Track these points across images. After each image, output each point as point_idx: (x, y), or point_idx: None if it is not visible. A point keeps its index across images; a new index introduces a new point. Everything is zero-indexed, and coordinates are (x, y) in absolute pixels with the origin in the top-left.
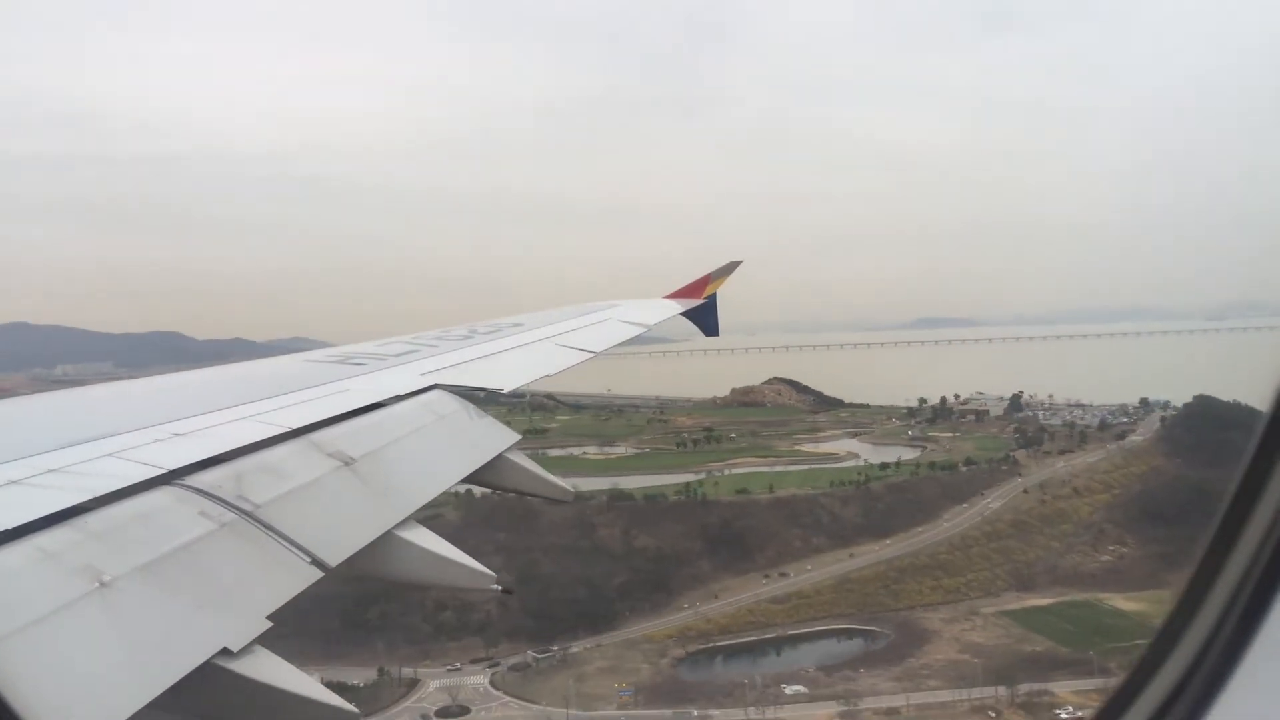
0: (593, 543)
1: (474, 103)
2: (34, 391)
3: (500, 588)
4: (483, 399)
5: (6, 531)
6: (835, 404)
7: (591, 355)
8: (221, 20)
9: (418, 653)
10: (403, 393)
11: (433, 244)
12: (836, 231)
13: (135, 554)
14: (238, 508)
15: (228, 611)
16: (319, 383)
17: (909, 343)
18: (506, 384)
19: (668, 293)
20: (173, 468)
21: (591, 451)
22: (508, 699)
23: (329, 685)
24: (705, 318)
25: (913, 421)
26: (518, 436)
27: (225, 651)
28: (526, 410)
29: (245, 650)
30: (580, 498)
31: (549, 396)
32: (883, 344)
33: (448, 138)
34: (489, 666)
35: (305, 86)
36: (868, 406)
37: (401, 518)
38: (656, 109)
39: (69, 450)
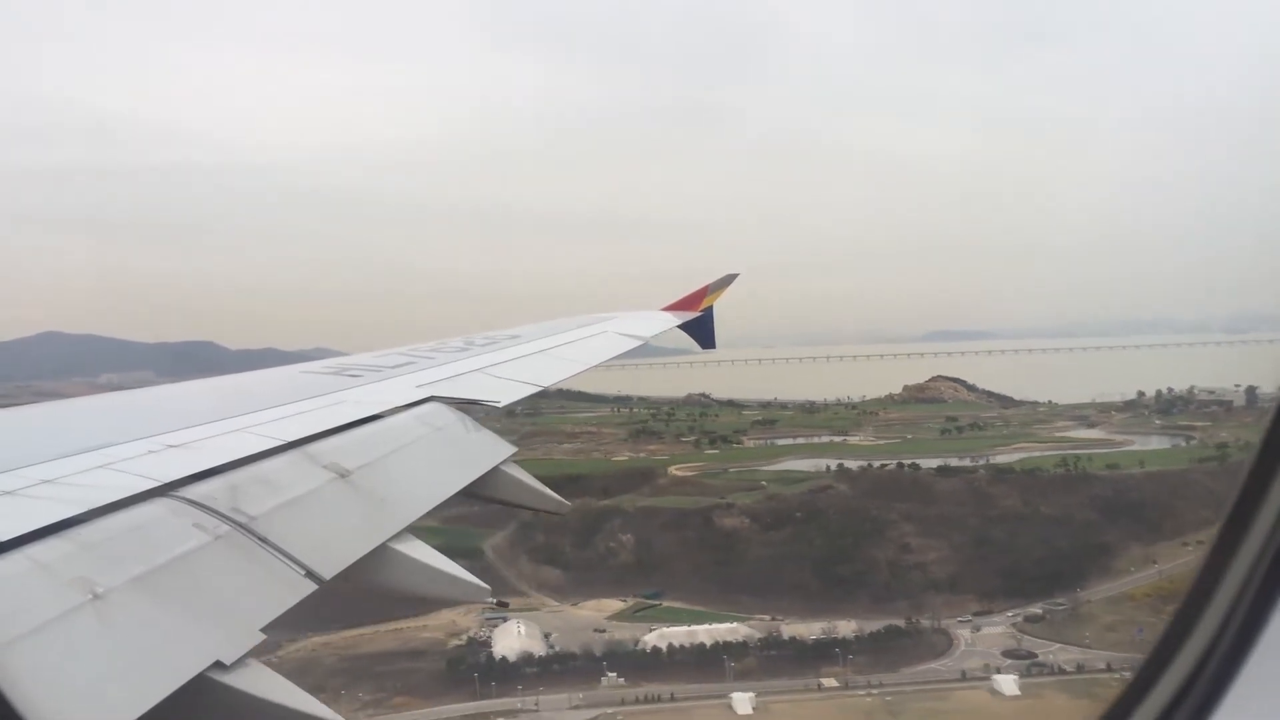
0: (1002, 511)
1: (494, 113)
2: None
3: (495, 601)
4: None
5: (0, 543)
6: (1008, 400)
7: (588, 367)
8: (250, 32)
9: (907, 607)
10: (399, 405)
11: (454, 255)
12: (849, 244)
13: (129, 566)
14: (232, 520)
15: (221, 624)
16: (315, 394)
17: (924, 354)
18: (504, 396)
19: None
20: (167, 480)
21: (850, 440)
22: (1058, 645)
23: (878, 633)
24: (702, 330)
25: (1144, 413)
26: (514, 449)
27: (218, 664)
28: (696, 407)
29: (238, 663)
30: (962, 471)
31: (704, 395)
32: (896, 355)
33: (468, 149)
34: (975, 620)
35: (330, 98)
36: (1050, 403)
37: (397, 530)
38: (670, 121)
39: (63, 461)
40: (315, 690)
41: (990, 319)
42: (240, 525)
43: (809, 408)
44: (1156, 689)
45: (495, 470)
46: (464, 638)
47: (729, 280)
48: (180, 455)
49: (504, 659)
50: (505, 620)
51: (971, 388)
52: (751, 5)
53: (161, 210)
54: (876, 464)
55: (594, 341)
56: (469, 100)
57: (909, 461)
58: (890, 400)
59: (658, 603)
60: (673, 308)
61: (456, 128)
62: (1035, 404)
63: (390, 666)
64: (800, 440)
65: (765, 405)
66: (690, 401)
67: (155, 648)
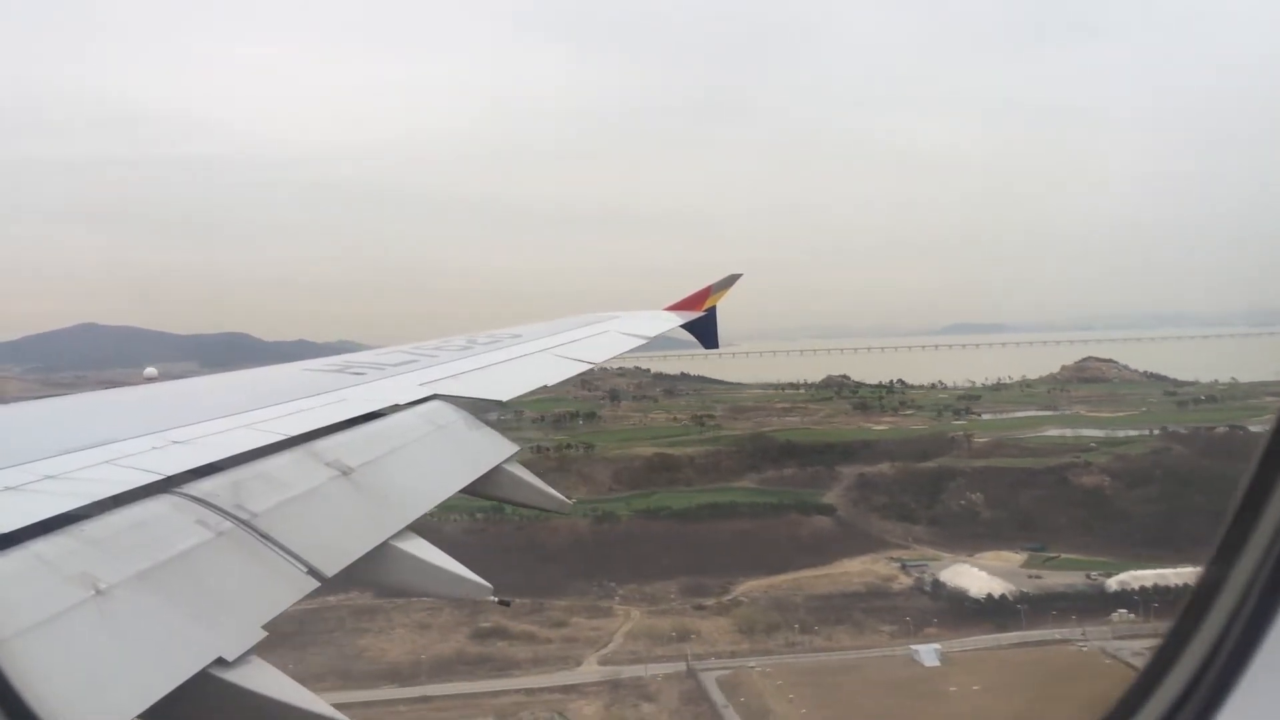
0: None
1: (516, 107)
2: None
3: (498, 599)
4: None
5: (3, 537)
6: (1168, 379)
7: (590, 366)
8: (272, 24)
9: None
10: (402, 402)
11: (476, 249)
12: (869, 238)
13: (132, 561)
14: (235, 516)
15: (224, 620)
16: (318, 391)
17: (948, 346)
18: (506, 394)
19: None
20: (171, 475)
21: (1084, 412)
22: None
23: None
24: (705, 330)
25: None
26: (516, 448)
27: (221, 661)
28: (835, 388)
29: (241, 660)
30: None
31: (845, 376)
32: (921, 347)
33: (491, 143)
34: None
35: (354, 91)
36: (1233, 381)
37: (399, 528)
38: (689, 115)
39: (67, 456)
40: (834, 623)
41: (1007, 313)
42: (243, 522)
43: (993, 387)
44: (1160, 690)
45: (498, 468)
46: (908, 579)
47: (732, 280)
48: (184, 451)
49: (999, 596)
50: (925, 566)
51: (1124, 367)
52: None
53: (194, 203)
54: (1204, 427)
55: (597, 340)
56: (493, 93)
57: (1238, 425)
58: (1054, 379)
59: (1055, 554)
60: (676, 307)
61: (479, 121)
62: (1200, 383)
63: (869, 604)
64: (1031, 413)
65: (932, 387)
66: (831, 383)
67: (158, 643)
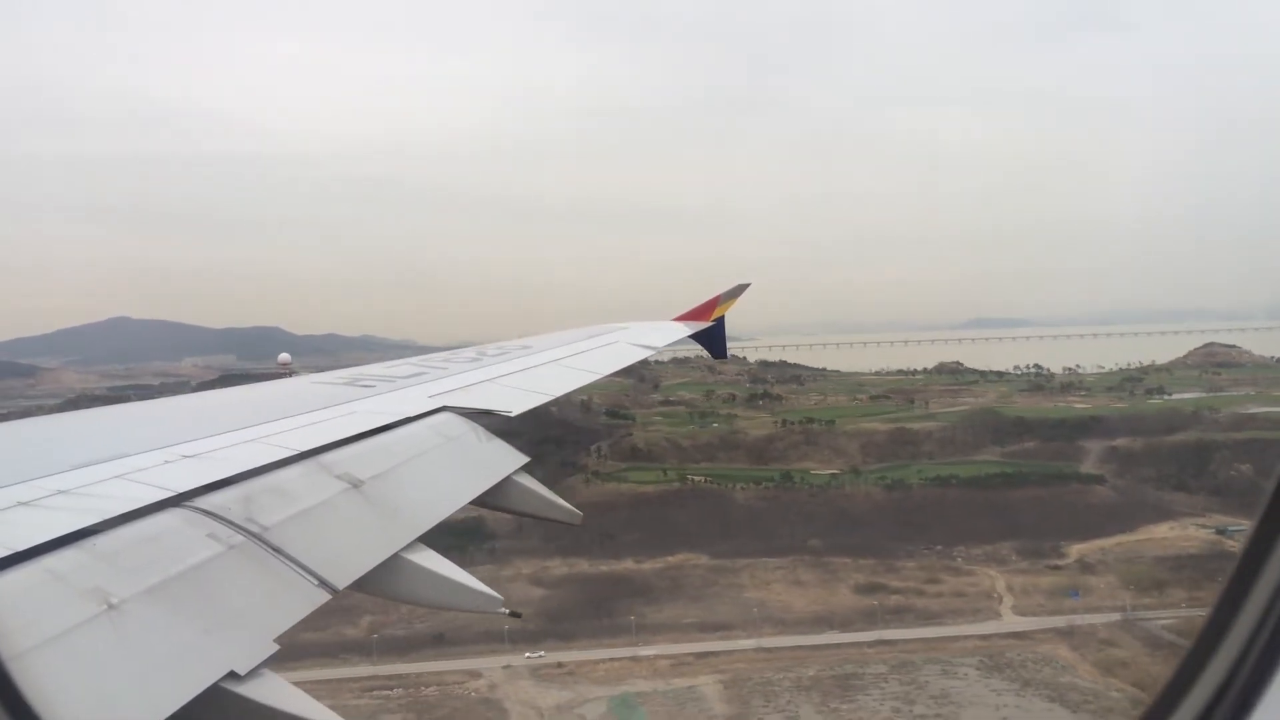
0: None
1: (543, 106)
2: (161, 382)
3: (508, 611)
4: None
5: (17, 553)
6: None
7: (600, 377)
8: (301, 23)
9: None
10: (411, 415)
11: (500, 246)
12: (890, 233)
13: (144, 576)
14: (246, 530)
15: (236, 634)
16: (328, 405)
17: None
18: (515, 406)
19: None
20: (182, 490)
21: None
22: None
23: None
24: (714, 340)
25: None
26: (526, 459)
27: (232, 674)
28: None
29: (252, 673)
30: None
31: (957, 363)
32: (940, 341)
33: (516, 142)
34: None
35: (381, 89)
36: None
37: (409, 540)
38: (721, 112)
39: (79, 472)
40: (1216, 581)
41: (1025, 308)
42: (254, 535)
43: (1140, 372)
44: (1194, 689)
45: (507, 480)
46: (1234, 544)
47: (740, 290)
48: (195, 466)
49: None
50: (1244, 531)
51: (1248, 352)
52: None
53: (224, 200)
54: None
55: (606, 351)
56: (517, 92)
57: None
58: (1184, 364)
59: None
60: (685, 318)
61: (503, 119)
62: None
63: (1225, 566)
64: (1200, 394)
65: (1067, 370)
66: (944, 370)
67: (170, 658)
